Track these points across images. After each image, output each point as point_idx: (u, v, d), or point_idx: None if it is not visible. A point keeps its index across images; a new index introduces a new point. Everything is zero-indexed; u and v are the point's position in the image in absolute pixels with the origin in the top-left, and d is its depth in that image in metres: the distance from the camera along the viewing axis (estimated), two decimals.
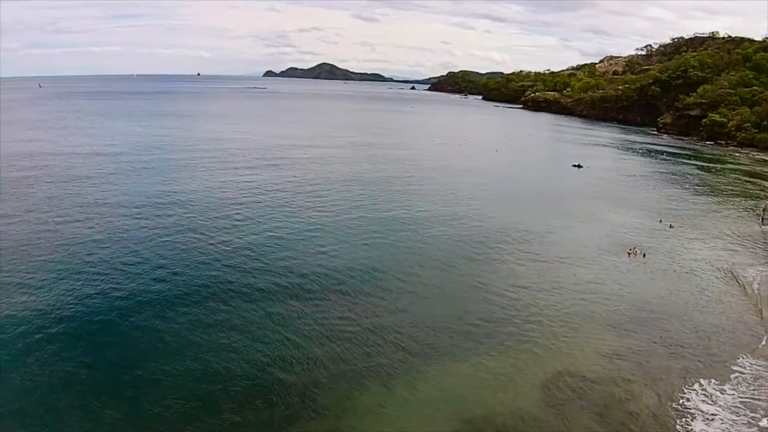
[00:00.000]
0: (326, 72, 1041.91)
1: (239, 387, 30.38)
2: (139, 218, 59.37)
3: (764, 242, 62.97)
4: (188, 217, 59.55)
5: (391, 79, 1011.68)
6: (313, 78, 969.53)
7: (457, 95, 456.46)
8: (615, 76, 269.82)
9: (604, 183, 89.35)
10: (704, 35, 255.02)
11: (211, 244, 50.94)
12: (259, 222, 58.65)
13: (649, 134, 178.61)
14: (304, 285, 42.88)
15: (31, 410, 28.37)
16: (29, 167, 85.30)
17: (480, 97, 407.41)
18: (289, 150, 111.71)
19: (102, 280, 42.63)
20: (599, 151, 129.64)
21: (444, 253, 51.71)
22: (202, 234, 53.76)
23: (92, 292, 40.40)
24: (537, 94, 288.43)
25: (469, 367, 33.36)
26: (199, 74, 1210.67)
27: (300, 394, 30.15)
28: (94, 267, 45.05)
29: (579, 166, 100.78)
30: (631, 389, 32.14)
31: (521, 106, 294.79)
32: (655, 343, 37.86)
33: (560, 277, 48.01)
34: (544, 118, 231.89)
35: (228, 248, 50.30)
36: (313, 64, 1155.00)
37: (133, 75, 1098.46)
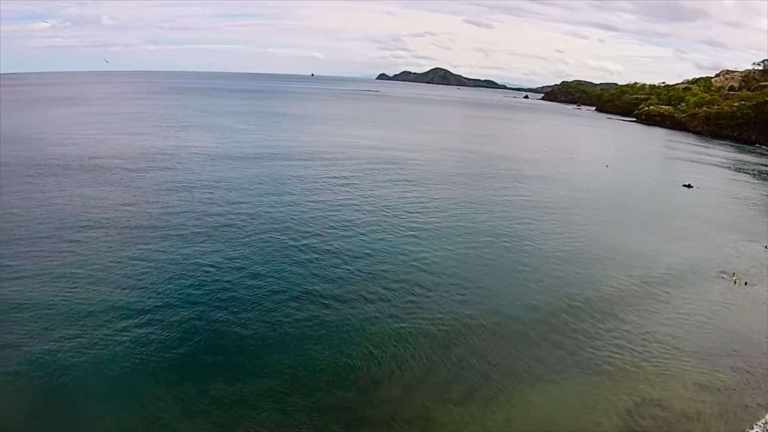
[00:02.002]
0: (439, 77, 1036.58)
1: (323, 389, 31.28)
2: (239, 219, 60.35)
3: None
4: (288, 218, 60.73)
5: (504, 87, 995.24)
6: (427, 83, 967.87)
7: (570, 105, 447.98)
8: (731, 92, 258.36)
9: (712, 204, 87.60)
10: None
11: (310, 248, 51.75)
12: (357, 230, 58.49)
13: (764, 154, 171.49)
14: (397, 294, 43.33)
15: (122, 395, 30.06)
16: (141, 168, 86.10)
17: (593, 108, 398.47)
18: (398, 157, 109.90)
19: (201, 277, 44.59)
20: (711, 171, 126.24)
21: (539, 270, 50.94)
22: (301, 237, 54.71)
23: (191, 287, 42.54)
24: (651, 107, 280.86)
25: (553, 388, 33.50)
26: (312, 75, 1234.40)
27: (378, 400, 31.10)
28: (194, 265, 46.90)
29: (689, 186, 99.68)
30: (708, 424, 31.89)
31: (634, 119, 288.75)
32: (741, 376, 36.63)
33: (655, 300, 46.87)
34: (657, 133, 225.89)
35: (326, 251, 51.16)
36: (427, 69, 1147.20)
37: (247, 73, 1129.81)
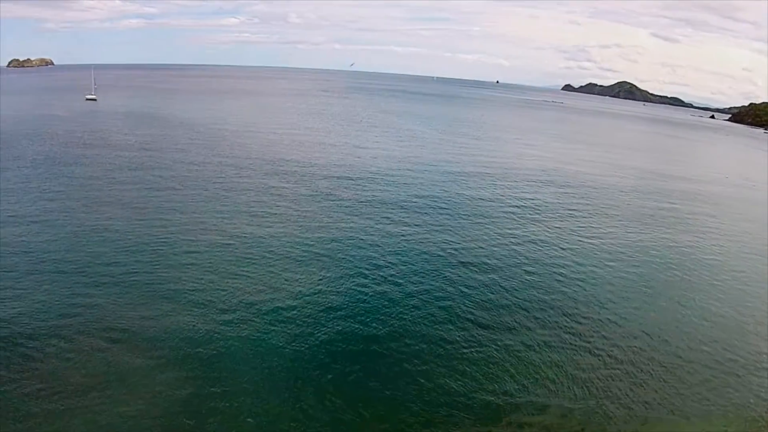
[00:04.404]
0: (625, 91, 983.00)
1: (479, 410, 30.07)
2: (403, 234, 58.21)
3: None
4: (450, 239, 57.50)
5: (690, 105, 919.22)
6: (612, 96, 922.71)
7: (758, 129, 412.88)
8: None
9: None
10: None
11: (472, 277, 47.73)
12: (518, 259, 53.35)
13: None
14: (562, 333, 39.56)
15: (270, 392, 30.29)
16: (316, 171, 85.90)
17: None
18: (575, 177, 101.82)
19: (361, 294, 43.06)
20: None
21: (706, 315, 44.94)
22: (463, 264, 50.83)
23: (351, 303, 41.37)
24: None
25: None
26: (498, 82, 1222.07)
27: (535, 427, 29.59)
28: (353, 281, 45.28)
29: None
30: None
31: None
32: None
33: None
34: None
35: (487, 280, 47.42)
36: (613, 82, 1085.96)
37: (433, 77, 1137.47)
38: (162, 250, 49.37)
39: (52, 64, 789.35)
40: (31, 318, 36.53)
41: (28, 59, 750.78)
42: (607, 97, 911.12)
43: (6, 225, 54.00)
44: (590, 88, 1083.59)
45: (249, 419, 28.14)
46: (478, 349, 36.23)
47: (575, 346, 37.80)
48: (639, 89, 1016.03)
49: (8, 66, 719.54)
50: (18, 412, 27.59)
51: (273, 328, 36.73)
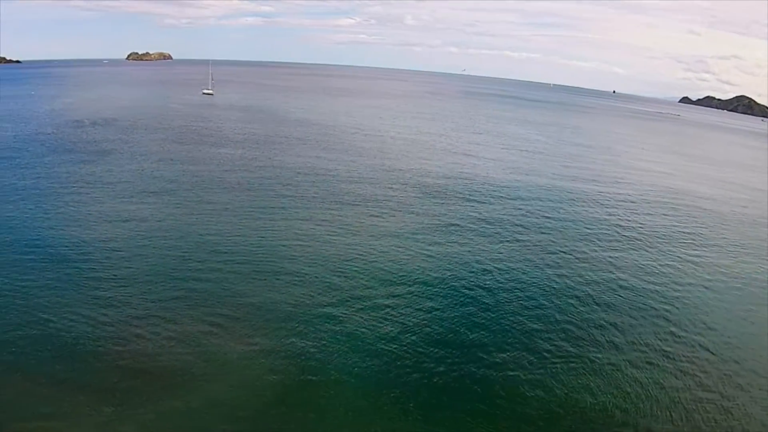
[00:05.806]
0: (743, 106, 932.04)
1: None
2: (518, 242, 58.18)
3: None
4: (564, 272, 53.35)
5: None
6: (730, 110, 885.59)
7: None
8: None
9: None
10: None
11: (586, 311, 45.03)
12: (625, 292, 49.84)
13: None
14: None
15: (359, 397, 30.55)
16: (427, 179, 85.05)
17: None
18: (692, 195, 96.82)
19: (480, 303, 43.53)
20: None
21: None
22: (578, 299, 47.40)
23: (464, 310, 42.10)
24: None
25: None
26: (614, 91, 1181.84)
27: None
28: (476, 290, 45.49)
29: None
30: None
31: None
32: None
33: None
34: None
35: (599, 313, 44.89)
36: (731, 95, 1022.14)
37: (550, 84, 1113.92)
38: (262, 252, 50.41)
39: (170, 58, 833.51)
40: (136, 304, 38.90)
41: (147, 53, 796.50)
42: (724, 111, 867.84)
43: (114, 221, 56.71)
44: (708, 102, 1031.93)
45: (337, 414, 28.91)
46: (571, 378, 35.38)
47: (672, 385, 36.36)
48: (758, 104, 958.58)
49: (127, 59, 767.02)
50: (116, 388, 29.44)
51: (367, 332, 37.27)
